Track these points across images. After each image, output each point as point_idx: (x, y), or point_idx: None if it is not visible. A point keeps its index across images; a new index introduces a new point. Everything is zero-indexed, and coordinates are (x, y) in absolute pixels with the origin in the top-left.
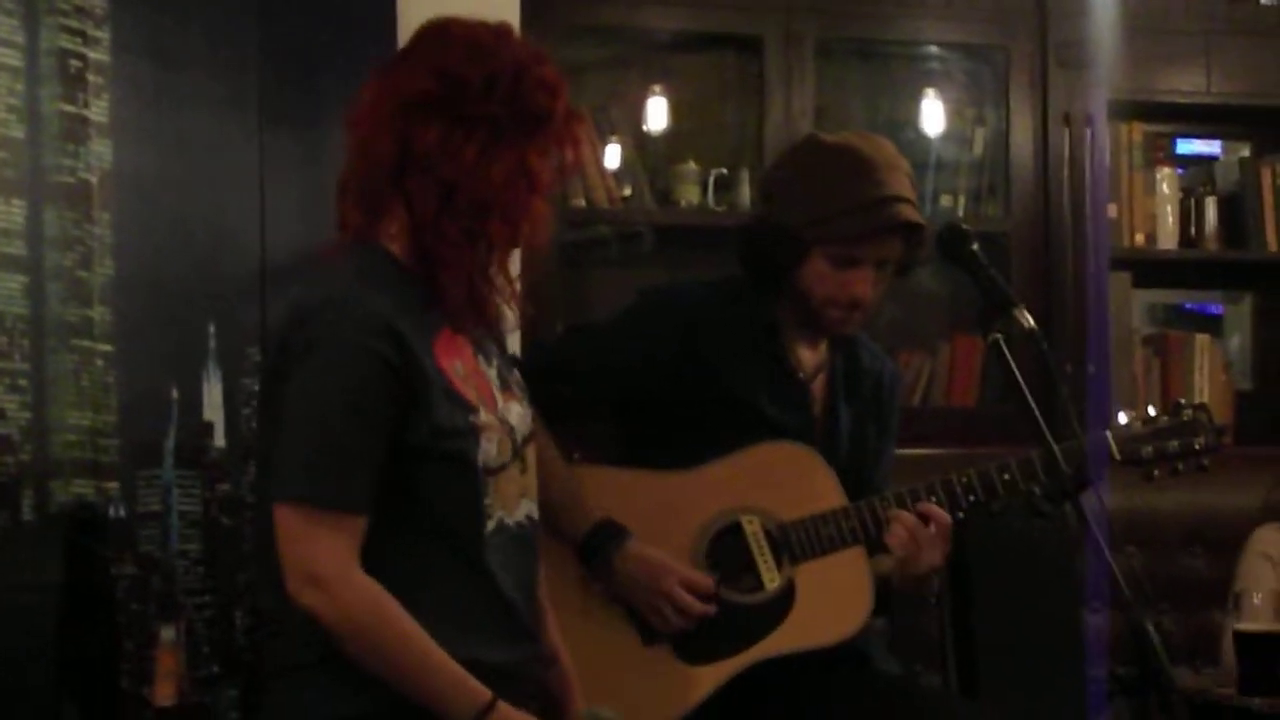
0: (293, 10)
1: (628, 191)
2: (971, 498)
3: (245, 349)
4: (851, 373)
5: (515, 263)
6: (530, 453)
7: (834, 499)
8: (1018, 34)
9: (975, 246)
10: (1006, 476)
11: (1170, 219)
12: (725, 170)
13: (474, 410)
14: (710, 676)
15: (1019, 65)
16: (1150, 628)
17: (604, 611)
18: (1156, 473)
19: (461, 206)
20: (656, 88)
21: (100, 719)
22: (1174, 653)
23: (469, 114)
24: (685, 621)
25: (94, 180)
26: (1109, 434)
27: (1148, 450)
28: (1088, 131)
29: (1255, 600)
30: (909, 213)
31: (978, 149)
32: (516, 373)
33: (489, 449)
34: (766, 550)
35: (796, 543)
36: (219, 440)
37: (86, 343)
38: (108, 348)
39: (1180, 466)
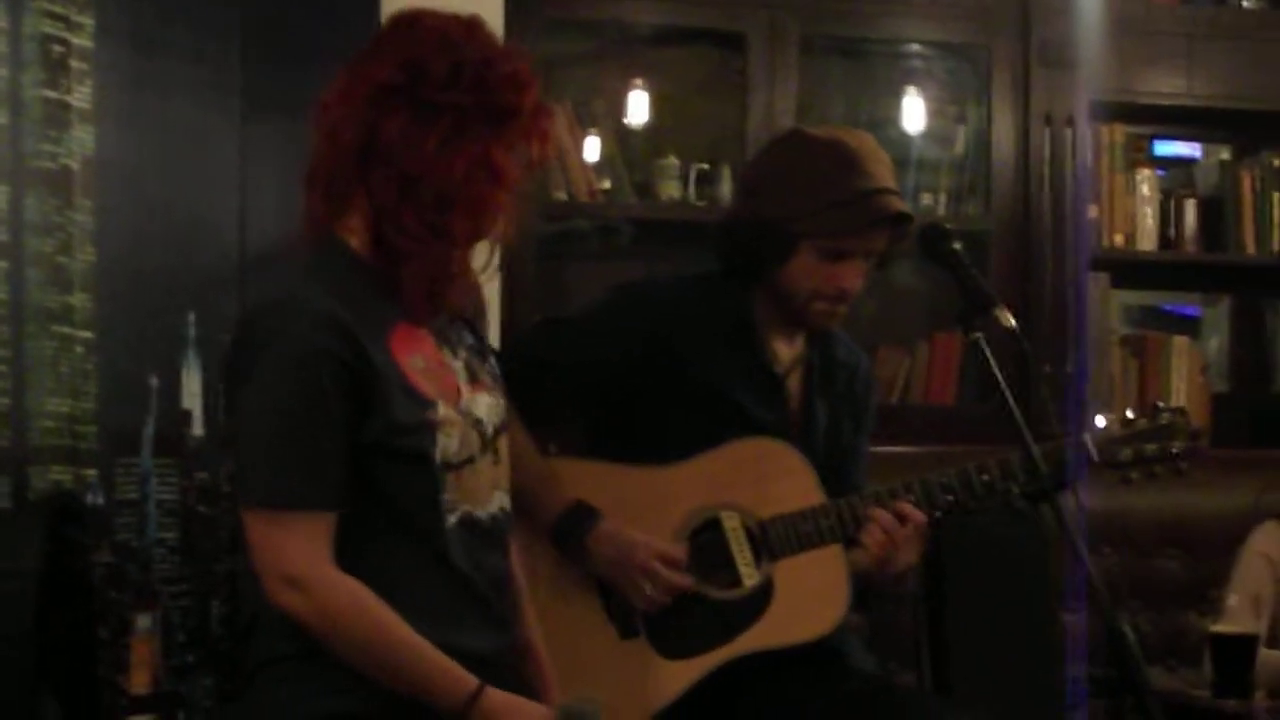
0: None
1: (607, 184)
2: (949, 497)
3: (225, 338)
4: (827, 367)
5: (493, 258)
6: (503, 444)
7: (813, 496)
8: (1000, 33)
9: (957, 245)
10: (985, 477)
11: (1150, 220)
12: (706, 165)
13: (431, 405)
14: (687, 672)
15: (1001, 64)
16: (1126, 629)
17: (581, 604)
18: (1134, 475)
19: (423, 199)
20: (638, 82)
21: (76, 707)
22: (1148, 654)
23: (432, 103)
24: (662, 595)
25: (75, 166)
26: (1088, 436)
27: (1126, 453)
28: (1069, 131)
29: (1232, 601)
30: (898, 204)
31: (959, 147)
32: (491, 362)
33: (447, 444)
34: (745, 546)
35: (775, 539)
36: (197, 429)
37: (66, 329)
38: (87, 334)
39: (1158, 470)
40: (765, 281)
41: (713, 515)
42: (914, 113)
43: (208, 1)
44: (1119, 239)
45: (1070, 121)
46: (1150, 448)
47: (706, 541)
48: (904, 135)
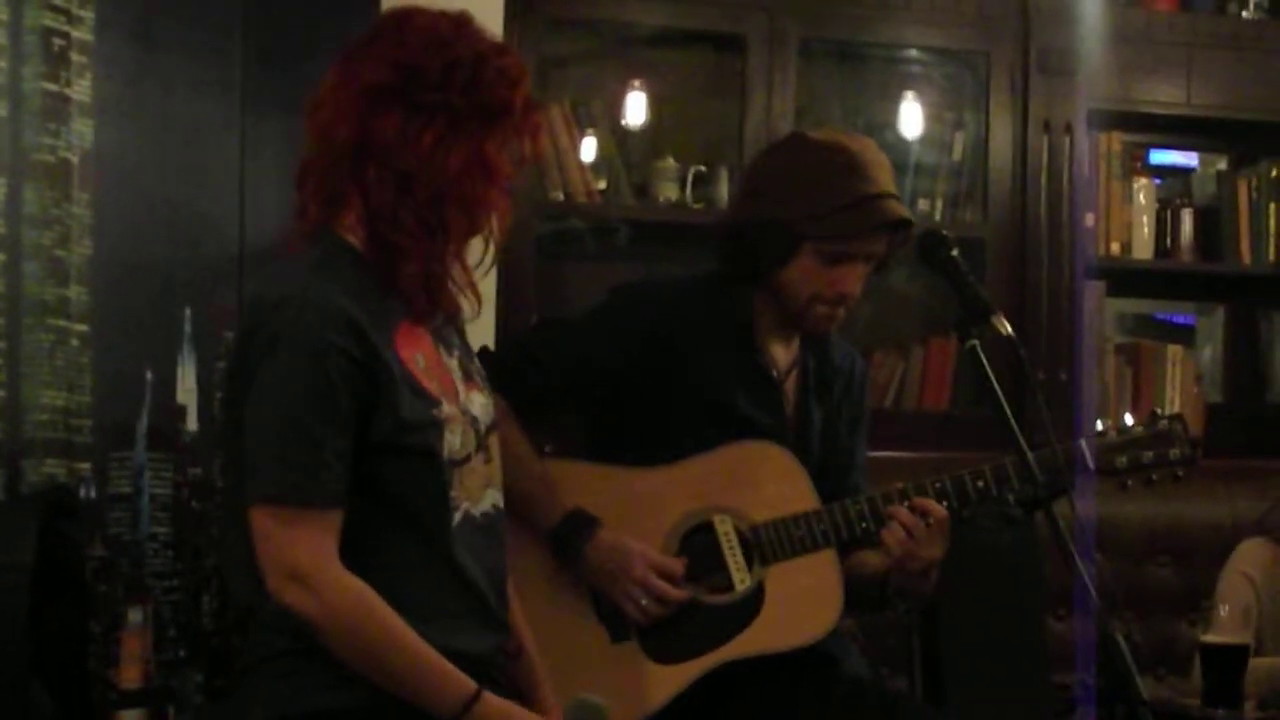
0: None
1: (604, 185)
2: (944, 503)
3: (221, 334)
4: (823, 371)
5: (489, 254)
6: (494, 442)
7: (807, 500)
8: (1000, 39)
9: (955, 252)
10: (980, 484)
11: (1146, 229)
12: (704, 167)
13: (436, 403)
14: (678, 676)
15: (1000, 71)
16: (1120, 638)
17: (573, 607)
18: (1130, 482)
19: (418, 196)
20: (636, 83)
21: (68, 700)
22: (1139, 662)
23: (426, 103)
24: (658, 608)
25: (74, 160)
26: (1084, 443)
27: (1122, 460)
28: (1067, 139)
29: (1223, 612)
30: (901, 209)
31: (956, 153)
32: (478, 362)
33: (453, 441)
34: (738, 550)
35: (768, 544)
36: (191, 424)
37: (62, 322)
38: (83, 328)
39: (1154, 477)
40: (765, 284)
41: (706, 518)
42: (912, 118)
43: None
44: (1115, 247)
45: (1068, 129)
46: (1147, 455)
47: (699, 544)
48: (902, 140)
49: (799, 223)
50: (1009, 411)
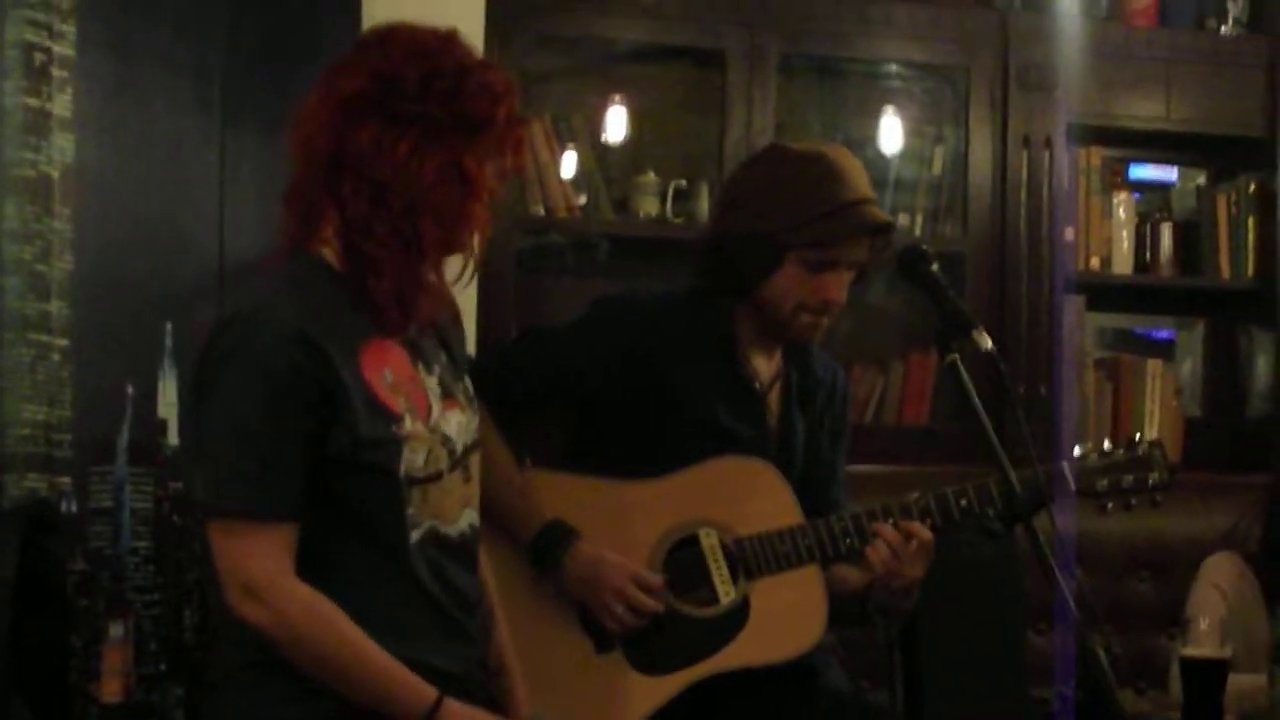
0: (258, 11)
1: (584, 200)
2: (927, 521)
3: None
4: (806, 382)
5: (469, 269)
6: (474, 462)
7: (792, 516)
8: (979, 55)
9: (935, 267)
10: (964, 502)
11: (1125, 244)
12: (684, 182)
13: (398, 420)
14: (662, 688)
15: (979, 86)
16: (1100, 651)
17: (556, 619)
18: (1110, 505)
19: (393, 207)
20: (617, 98)
21: (48, 714)
22: (1119, 676)
23: (403, 113)
24: (634, 618)
25: (55, 174)
26: (1065, 465)
27: (1103, 484)
28: (1046, 154)
29: (1202, 626)
30: (882, 214)
31: (936, 168)
32: (466, 382)
33: (413, 459)
34: (723, 564)
35: (753, 558)
36: (172, 438)
37: (43, 337)
38: (64, 342)
39: (1134, 500)
40: (748, 296)
41: (691, 532)
42: (892, 133)
43: (190, 11)
44: (1095, 262)
45: (1048, 144)
46: (1127, 479)
47: (684, 558)
48: (881, 155)
49: (781, 233)
50: (989, 426)
